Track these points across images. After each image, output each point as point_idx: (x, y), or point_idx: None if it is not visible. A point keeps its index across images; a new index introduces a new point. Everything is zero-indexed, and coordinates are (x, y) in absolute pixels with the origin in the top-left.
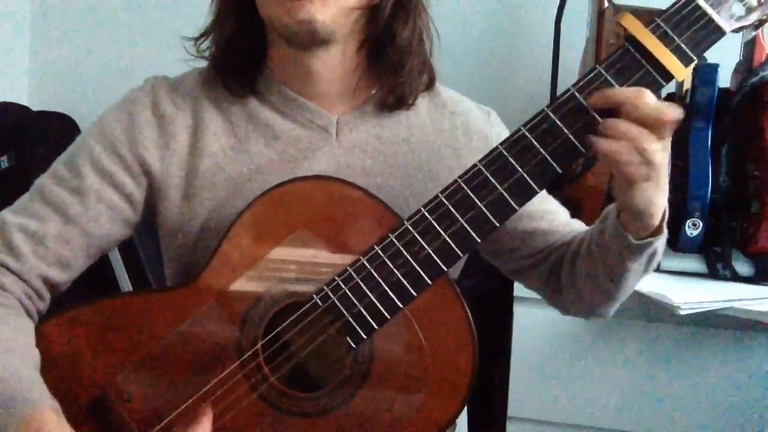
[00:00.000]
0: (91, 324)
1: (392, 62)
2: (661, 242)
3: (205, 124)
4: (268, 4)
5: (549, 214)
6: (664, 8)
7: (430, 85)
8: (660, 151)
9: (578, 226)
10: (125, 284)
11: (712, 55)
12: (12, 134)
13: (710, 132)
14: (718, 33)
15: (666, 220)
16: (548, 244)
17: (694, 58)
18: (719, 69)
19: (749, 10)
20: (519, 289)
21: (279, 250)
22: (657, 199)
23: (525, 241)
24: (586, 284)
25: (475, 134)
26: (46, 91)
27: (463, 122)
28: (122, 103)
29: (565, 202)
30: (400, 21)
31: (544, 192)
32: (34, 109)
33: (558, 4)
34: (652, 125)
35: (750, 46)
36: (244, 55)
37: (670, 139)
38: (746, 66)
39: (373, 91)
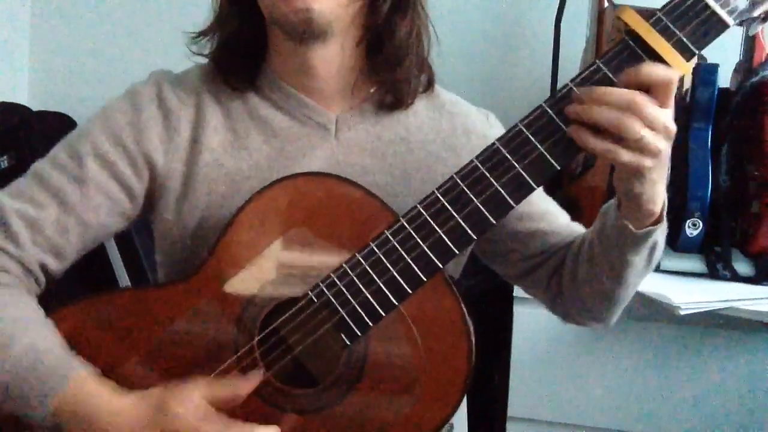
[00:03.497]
0: (88, 321)
1: (390, 58)
2: (661, 233)
3: (206, 119)
4: None
5: (549, 215)
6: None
7: (429, 86)
8: (664, 143)
9: (579, 229)
10: (124, 283)
11: (712, 55)
12: (12, 134)
13: (710, 132)
14: (721, 26)
15: (665, 209)
16: (548, 246)
17: (696, 51)
18: (719, 69)
19: (754, 3)
20: (519, 289)
21: (276, 247)
22: (658, 187)
23: (524, 243)
24: (588, 286)
25: (474, 135)
26: (46, 91)
27: (462, 123)
28: (127, 95)
29: (565, 201)
30: (398, 16)
31: (543, 193)
32: (34, 109)
33: (558, 4)
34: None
35: (750, 45)
36: (244, 52)
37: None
38: (746, 66)
39: (372, 90)
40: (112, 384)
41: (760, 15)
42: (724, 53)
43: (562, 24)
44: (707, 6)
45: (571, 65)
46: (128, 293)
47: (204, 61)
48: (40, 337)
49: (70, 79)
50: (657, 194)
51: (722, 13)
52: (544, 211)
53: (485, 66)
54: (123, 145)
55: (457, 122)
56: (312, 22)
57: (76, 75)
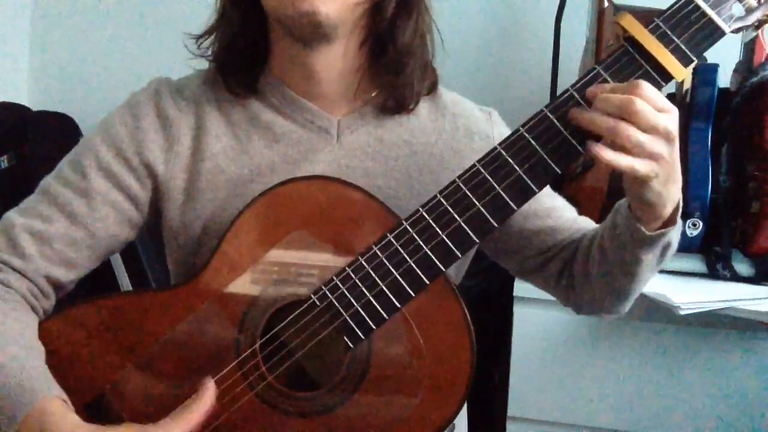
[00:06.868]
0: (90, 323)
1: (393, 62)
2: (675, 233)
3: (207, 125)
4: None
5: (555, 211)
6: (664, 8)
7: (432, 89)
8: (665, 147)
9: (585, 224)
10: (125, 284)
11: (712, 55)
12: (12, 134)
13: (710, 132)
14: (717, 33)
15: (679, 211)
16: (556, 242)
17: (694, 58)
18: (719, 69)
19: (749, 11)
20: (519, 289)
21: (278, 251)
22: (668, 192)
23: (532, 240)
24: (601, 282)
25: (477, 135)
26: (46, 91)
27: (464, 123)
28: (127, 105)
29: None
30: (402, 20)
31: (549, 190)
32: (34, 109)
33: (558, 4)
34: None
35: (750, 46)
36: (246, 56)
37: (677, 134)
38: (746, 66)
39: (374, 94)
40: (75, 414)
41: (753, 23)
42: (724, 53)
43: (562, 24)
44: (704, 14)
45: (571, 65)
46: (129, 296)
47: (205, 63)
48: (14, 354)
49: (70, 79)
50: (667, 198)
51: (719, 21)
52: (550, 208)
53: (485, 66)
54: (124, 156)
55: (460, 123)
56: (318, 25)
57: (76, 75)
